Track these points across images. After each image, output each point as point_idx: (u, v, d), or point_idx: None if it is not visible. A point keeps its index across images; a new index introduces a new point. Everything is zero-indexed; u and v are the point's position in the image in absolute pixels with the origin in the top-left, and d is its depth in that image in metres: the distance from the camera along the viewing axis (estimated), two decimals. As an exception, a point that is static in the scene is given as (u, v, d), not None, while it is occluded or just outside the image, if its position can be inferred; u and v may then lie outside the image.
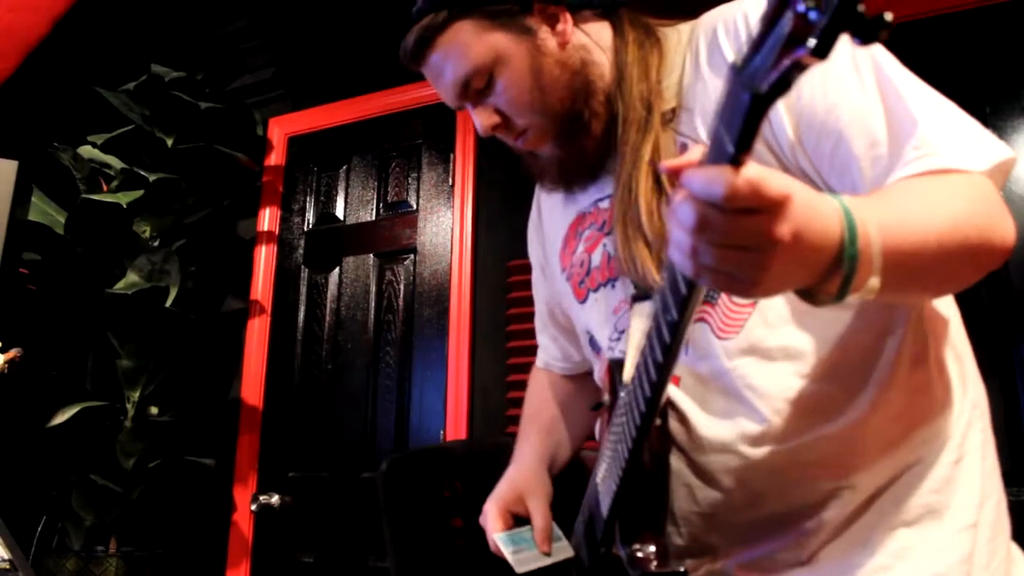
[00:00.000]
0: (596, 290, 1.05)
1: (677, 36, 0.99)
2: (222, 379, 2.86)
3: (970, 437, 0.89)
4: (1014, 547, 0.90)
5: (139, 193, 2.65)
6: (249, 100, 3.07)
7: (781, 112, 0.85)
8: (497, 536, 1.03)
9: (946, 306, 0.93)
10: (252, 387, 2.79)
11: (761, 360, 0.87)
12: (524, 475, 1.13)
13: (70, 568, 2.44)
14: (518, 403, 2.34)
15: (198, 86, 2.83)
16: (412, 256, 2.69)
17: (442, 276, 2.60)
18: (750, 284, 0.58)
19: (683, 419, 0.91)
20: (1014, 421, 1.80)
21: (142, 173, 2.67)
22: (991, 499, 0.87)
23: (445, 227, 2.65)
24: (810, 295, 0.64)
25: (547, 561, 0.99)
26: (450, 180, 2.67)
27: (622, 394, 0.88)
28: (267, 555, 2.62)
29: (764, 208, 0.54)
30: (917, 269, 0.69)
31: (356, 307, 2.74)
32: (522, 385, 2.32)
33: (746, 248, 0.55)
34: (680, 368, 0.93)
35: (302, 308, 2.83)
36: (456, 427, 2.41)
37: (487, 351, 2.45)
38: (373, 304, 2.72)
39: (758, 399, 0.87)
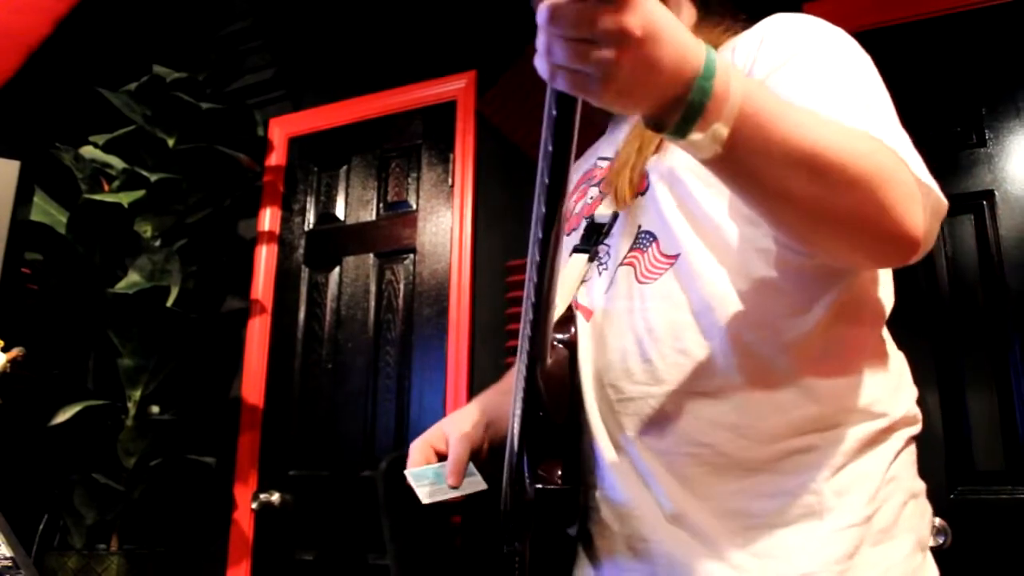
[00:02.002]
0: (568, 234, 1.08)
1: (728, 42, 1.00)
2: (223, 378, 2.87)
3: (881, 442, 0.87)
4: (928, 559, 0.88)
5: (140, 193, 2.66)
6: (250, 101, 3.08)
7: None
8: (407, 472, 1.04)
9: (880, 300, 0.92)
10: (253, 386, 2.81)
11: (668, 308, 0.89)
12: (456, 418, 1.14)
13: (72, 566, 2.45)
14: (517, 402, 2.35)
15: (199, 87, 2.84)
16: (412, 256, 2.70)
17: (442, 276, 2.62)
18: (602, 81, 0.59)
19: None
20: (1009, 422, 1.81)
21: (143, 173, 2.68)
22: (890, 502, 0.84)
23: (445, 227, 2.66)
24: (656, 122, 0.65)
25: (453, 494, 1.00)
26: (450, 180, 2.68)
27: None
28: (268, 553, 2.64)
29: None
30: (779, 159, 0.67)
31: (356, 306, 2.76)
32: (521, 384, 2.33)
33: (596, 42, 0.57)
34: (595, 303, 0.96)
35: (302, 307, 2.85)
36: (455, 426, 2.42)
37: (486, 351, 2.46)
38: (373, 303, 2.73)
39: (652, 341, 0.89)
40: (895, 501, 0.86)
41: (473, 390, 2.44)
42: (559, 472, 0.87)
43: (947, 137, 2.00)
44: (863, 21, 2.05)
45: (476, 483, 1.02)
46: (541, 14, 0.57)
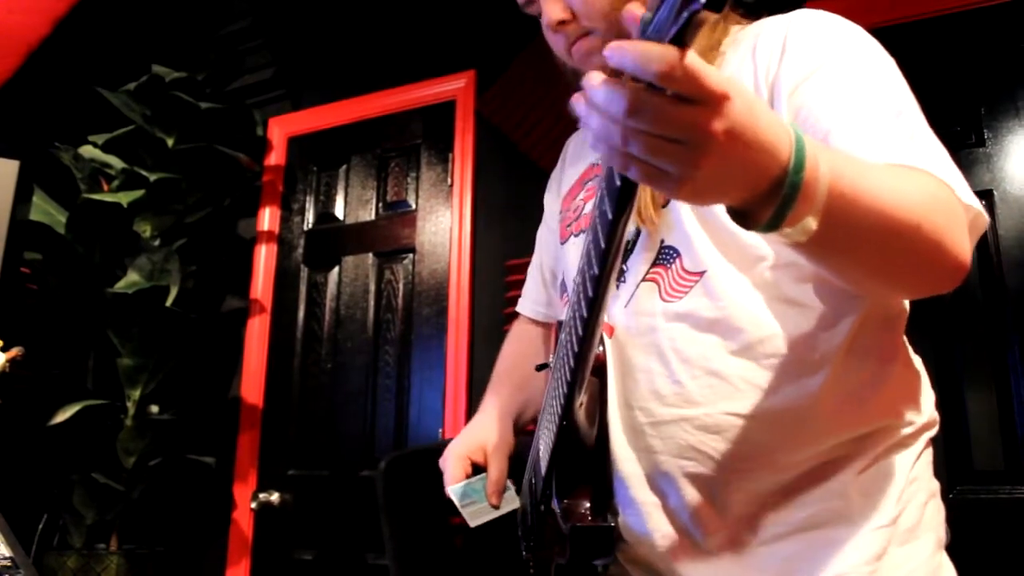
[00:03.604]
0: (578, 235, 1.07)
1: (740, 34, 0.98)
2: (222, 378, 2.87)
3: (905, 445, 0.88)
4: (945, 558, 0.89)
5: (140, 193, 2.66)
6: (249, 100, 3.08)
7: (782, 108, 0.85)
8: (450, 489, 1.04)
9: (901, 306, 0.92)
10: (252, 386, 2.81)
11: (693, 328, 0.88)
12: (488, 425, 1.13)
13: (71, 566, 2.45)
14: (516, 402, 2.35)
15: (198, 86, 2.84)
16: (411, 255, 2.70)
17: (441, 275, 2.62)
18: (679, 180, 0.56)
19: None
20: (1008, 422, 1.82)
21: (143, 173, 2.68)
22: (913, 503, 0.86)
23: (444, 227, 2.66)
24: (743, 217, 0.63)
25: (496, 514, 1.00)
26: (449, 180, 2.68)
27: (562, 336, 0.88)
28: (267, 552, 2.64)
29: (699, 98, 0.53)
30: (859, 233, 0.67)
31: (355, 306, 2.76)
32: (520, 384, 2.34)
33: (677, 141, 0.54)
34: (616, 319, 0.94)
35: (302, 307, 2.85)
36: (455, 426, 2.42)
37: (486, 350, 2.46)
38: (372, 303, 2.73)
39: (680, 362, 0.88)
40: (918, 501, 0.87)
41: (473, 389, 2.44)
42: (588, 504, 0.87)
43: (946, 137, 1.96)
44: (863, 21, 2.04)
45: (512, 500, 1.02)
46: (617, 104, 0.53)
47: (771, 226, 0.62)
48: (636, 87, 0.53)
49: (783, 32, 0.90)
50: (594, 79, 0.55)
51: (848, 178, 0.64)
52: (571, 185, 1.17)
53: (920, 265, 0.72)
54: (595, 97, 0.55)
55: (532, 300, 1.34)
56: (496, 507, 1.01)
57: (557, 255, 1.19)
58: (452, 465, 1.07)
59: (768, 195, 0.60)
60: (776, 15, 0.95)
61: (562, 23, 0.99)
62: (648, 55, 0.51)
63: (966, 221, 0.74)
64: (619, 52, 0.52)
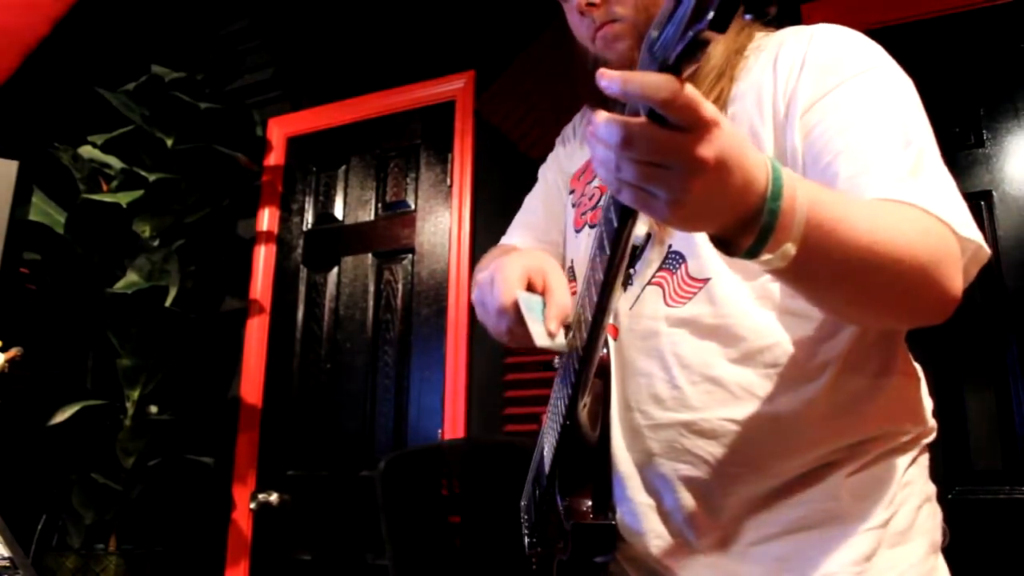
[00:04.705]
0: (593, 226, 1.06)
1: (765, 40, 0.99)
2: (221, 378, 2.87)
3: (900, 451, 0.89)
4: (941, 562, 0.89)
5: (139, 193, 2.66)
6: (248, 100, 3.08)
7: (795, 124, 0.86)
8: (519, 293, 0.89)
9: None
10: (251, 386, 2.80)
11: (694, 334, 0.89)
12: (538, 254, 0.99)
13: (70, 566, 2.45)
14: (516, 402, 2.35)
15: (198, 86, 2.84)
16: (410, 256, 2.70)
17: (440, 276, 2.62)
18: (668, 204, 0.59)
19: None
20: (1007, 422, 1.82)
21: (142, 173, 2.68)
22: (906, 506, 0.86)
23: (443, 227, 2.66)
24: (725, 245, 0.66)
25: (552, 345, 0.86)
26: (448, 180, 2.68)
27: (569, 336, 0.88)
28: (266, 553, 2.64)
29: (693, 125, 0.56)
30: (837, 264, 0.68)
31: (355, 307, 2.76)
32: (520, 384, 2.35)
33: (667, 167, 0.57)
34: (620, 321, 0.95)
35: (301, 307, 2.85)
36: (454, 426, 2.42)
37: (485, 350, 2.46)
38: (371, 303, 2.73)
39: (680, 367, 0.89)
40: (911, 505, 0.87)
41: (472, 390, 2.44)
42: (590, 502, 0.88)
43: (946, 138, 1.97)
44: (863, 21, 2.05)
45: (561, 341, 0.89)
46: (613, 135, 0.57)
47: (752, 252, 0.64)
48: (628, 121, 0.56)
49: (804, 47, 0.91)
50: (598, 116, 0.58)
51: (827, 210, 0.66)
52: (584, 164, 1.17)
53: (903, 299, 0.74)
54: (597, 130, 0.58)
55: (535, 226, 1.25)
56: (552, 336, 0.87)
57: (567, 234, 1.18)
58: (511, 274, 0.91)
59: (749, 222, 0.63)
60: (797, 26, 0.96)
61: (592, 5, 0.99)
62: (656, 84, 0.54)
63: (960, 256, 0.75)
64: (622, 82, 0.55)
